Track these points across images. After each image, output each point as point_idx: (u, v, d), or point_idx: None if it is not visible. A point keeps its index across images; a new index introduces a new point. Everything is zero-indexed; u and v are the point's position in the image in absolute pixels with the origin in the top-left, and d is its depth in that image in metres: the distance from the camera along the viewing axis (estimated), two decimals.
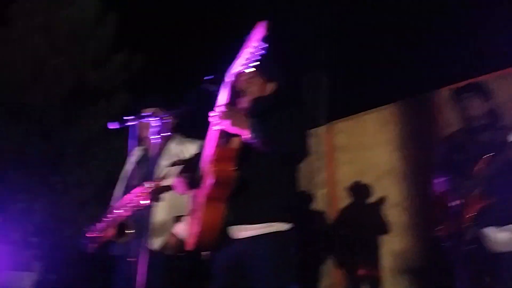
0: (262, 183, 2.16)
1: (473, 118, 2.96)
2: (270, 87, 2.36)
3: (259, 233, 2.12)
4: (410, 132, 4.72)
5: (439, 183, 3.00)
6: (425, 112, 4.65)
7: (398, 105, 4.91)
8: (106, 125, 2.62)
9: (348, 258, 4.90)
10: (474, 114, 2.95)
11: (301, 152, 2.20)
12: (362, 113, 5.18)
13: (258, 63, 1.91)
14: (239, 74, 2.10)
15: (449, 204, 2.73)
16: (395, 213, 4.69)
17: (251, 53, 1.87)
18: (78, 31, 7.93)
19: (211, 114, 2.11)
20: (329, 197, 5.32)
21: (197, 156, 2.47)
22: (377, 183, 4.89)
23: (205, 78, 2.22)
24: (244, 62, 1.93)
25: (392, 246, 4.68)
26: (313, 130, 5.53)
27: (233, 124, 2.04)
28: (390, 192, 4.77)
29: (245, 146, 2.11)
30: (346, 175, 5.19)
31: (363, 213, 4.94)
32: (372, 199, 4.87)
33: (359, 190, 4.98)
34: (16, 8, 7.90)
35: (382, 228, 4.72)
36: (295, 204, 2.31)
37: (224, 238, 2.13)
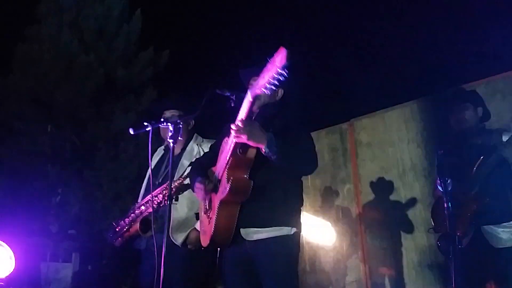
0: (273, 190, 2.37)
1: (467, 123, 3.14)
2: (278, 93, 2.51)
3: (269, 236, 2.33)
4: (433, 129, 4.71)
5: (439, 185, 3.10)
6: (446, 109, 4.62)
7: (420, 102, 4.89)
8: (135, 121, 2.78)
9: (373, 253, 4.94)
10: (468, 120, 3.13)
11: (311, 168, 2.42)
12: (384, 110, 5.18)
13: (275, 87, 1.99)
14: (256, 95, 2.18)
15: (447, 205, 2.79)
16: (418, 209, 4.70)
17: (273, 77, 1.95)
18: (105, 28, 8.13)
19: (231, 126, 2.24)
20: (353, 193, 5.36)
21: (207, 154, 2.63)
22: (400, 180, 4.89)
23: (225, 94, 2.36)
24: (265, 85, 2.01)
25: (416, 242, 4.70)
26: (336, 127, 5.57)
27: (250, 138, 2.19)
28: (413, 188, 4.78)
29: (260, 155, 2.27)
30: (369, 171, 5.21)
31: (387, 208, 4.96)
32: (395, 195, 4.89)
33: (383, 186, 5.00)
34: (46, 6, 8.13)
35: (405, 223, 4.75)
36: (300, 209, 2.51)
37: (235, 237, 2.34)
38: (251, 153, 2.28)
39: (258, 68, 2.43)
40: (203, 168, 2.61)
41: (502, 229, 2.89)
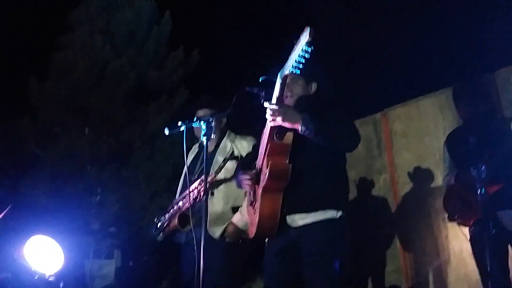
0: (315, 174, 2.33)
1: (476, 114, 3.14)
2: (312, 87, 2.54)
3: (314, 220, 2.29)
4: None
5: (456, 175, 3.17)
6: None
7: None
8: (169, 121, 2.87)
9: (413, 242, 4.89)
10: (476, 111, 3.15)
11: (353, 141, 2.35)
12: (418, 98, 5.10)
13: (303, 65, 2.01)
14: (286, 76, 2.21)
15: (480, 192, 2.76)
16: None
17: (300, 56, 1.98)
18: (136, 32, 8.30)
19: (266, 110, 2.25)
20: (389, 183, 5.31)
21: (250, 154, 2.66)
22: (438, 168, 4.81)
23: (254, 92, 2.38)
24: (293, 64, 2.03)
25: (456, 230, 4.62)
26: (370, 117, 5.52)
27: (285, 119, 2.19)
28: None
29: (299, 139, 2.26)
30: (405, 160, 5.16)
31: (425, 197, 4.89)
32: (433, 184, 4.81)
33: (420, 175, 4.94)
34: (78, 14, 8.38)
35: (444, 212, 4.66)
36: (346, 193, 2.42)
37: (281, 226, 2.32)
38: (288, 138, 2.26)
39: None
40: (247, 165, 2.62)
41: None
